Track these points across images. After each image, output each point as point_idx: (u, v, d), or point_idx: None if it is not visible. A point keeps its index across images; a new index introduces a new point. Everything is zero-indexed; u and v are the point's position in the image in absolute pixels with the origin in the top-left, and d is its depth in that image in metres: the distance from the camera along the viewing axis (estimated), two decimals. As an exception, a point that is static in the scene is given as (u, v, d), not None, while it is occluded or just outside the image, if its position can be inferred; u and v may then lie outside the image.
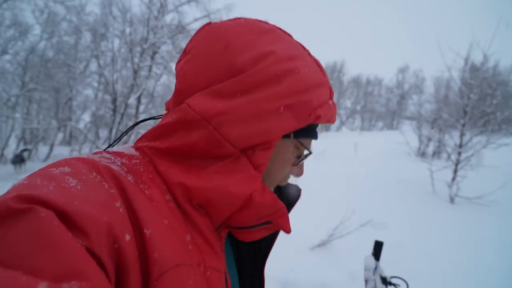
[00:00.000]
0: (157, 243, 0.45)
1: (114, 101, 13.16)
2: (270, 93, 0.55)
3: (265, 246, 0.77)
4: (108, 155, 0.55)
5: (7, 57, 15.01)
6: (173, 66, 14.04)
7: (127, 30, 13.51)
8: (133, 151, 0.59)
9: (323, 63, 0.66)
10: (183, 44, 13.71)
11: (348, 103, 46.94)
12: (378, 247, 1.33)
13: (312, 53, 0.66)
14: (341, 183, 7.83)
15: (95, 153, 0.55)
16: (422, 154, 12.68)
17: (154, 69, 13.93)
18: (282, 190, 0.75)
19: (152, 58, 13.34)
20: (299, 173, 0.69)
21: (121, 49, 14.57)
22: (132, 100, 13.03)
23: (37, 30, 21.35)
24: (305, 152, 0.66)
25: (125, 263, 0.41)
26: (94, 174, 0.46)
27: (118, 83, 13.60)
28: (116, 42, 14.43)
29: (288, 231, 0.63)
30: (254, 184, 0.57)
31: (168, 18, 13.55)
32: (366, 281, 1.22)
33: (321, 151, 11.09)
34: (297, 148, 0.64)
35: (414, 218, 6.01)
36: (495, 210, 6.47)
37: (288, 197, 0.75)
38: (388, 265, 1.71)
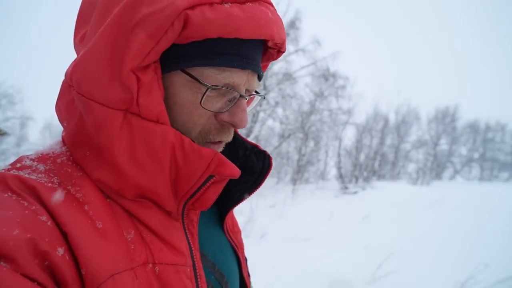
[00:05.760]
0: (85, 256, 0.39)
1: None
2: (118, 15, 0.41)
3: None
4: (29, 163, 0.47)
5: None
6: (278, 111, 14.81)
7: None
8: (58, 148, 0.50)
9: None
10: (289, 90, 14.45)
11: (463, 150, 42.22)
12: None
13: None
14: (468, 233, 6.98)
15: (14, 163, 0.47)
16: None
17: (261, 114, 14.86)
18: (247, 159, 0.64)
19: (260, 104, 14.30)
20: (234, 121, 0.50)
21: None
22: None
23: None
24: (214, 87, 0.46)
25: (62, 279, 0.37)
26: (9, 193, 0.40)
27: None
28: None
29: (234, 175, 0.49)
30: (166, 139, 0.45)
31: (276, 67, 14.54)
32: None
33: (437, 199, 10.11)
34: (197, 84, 0.46)
35: None
36: None
37: (253, 167, 0.64)
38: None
